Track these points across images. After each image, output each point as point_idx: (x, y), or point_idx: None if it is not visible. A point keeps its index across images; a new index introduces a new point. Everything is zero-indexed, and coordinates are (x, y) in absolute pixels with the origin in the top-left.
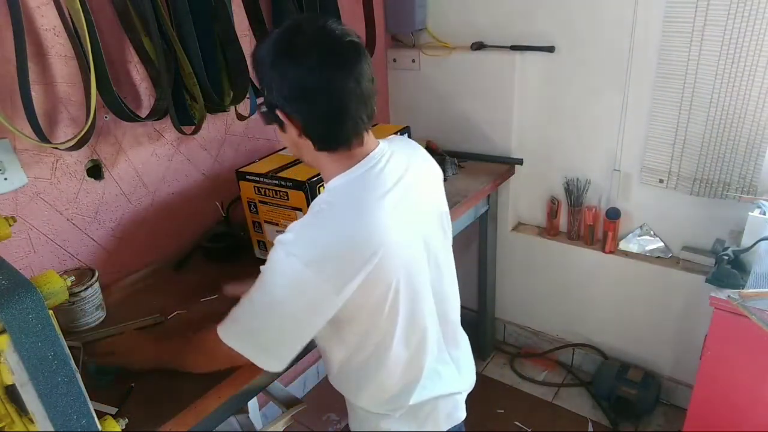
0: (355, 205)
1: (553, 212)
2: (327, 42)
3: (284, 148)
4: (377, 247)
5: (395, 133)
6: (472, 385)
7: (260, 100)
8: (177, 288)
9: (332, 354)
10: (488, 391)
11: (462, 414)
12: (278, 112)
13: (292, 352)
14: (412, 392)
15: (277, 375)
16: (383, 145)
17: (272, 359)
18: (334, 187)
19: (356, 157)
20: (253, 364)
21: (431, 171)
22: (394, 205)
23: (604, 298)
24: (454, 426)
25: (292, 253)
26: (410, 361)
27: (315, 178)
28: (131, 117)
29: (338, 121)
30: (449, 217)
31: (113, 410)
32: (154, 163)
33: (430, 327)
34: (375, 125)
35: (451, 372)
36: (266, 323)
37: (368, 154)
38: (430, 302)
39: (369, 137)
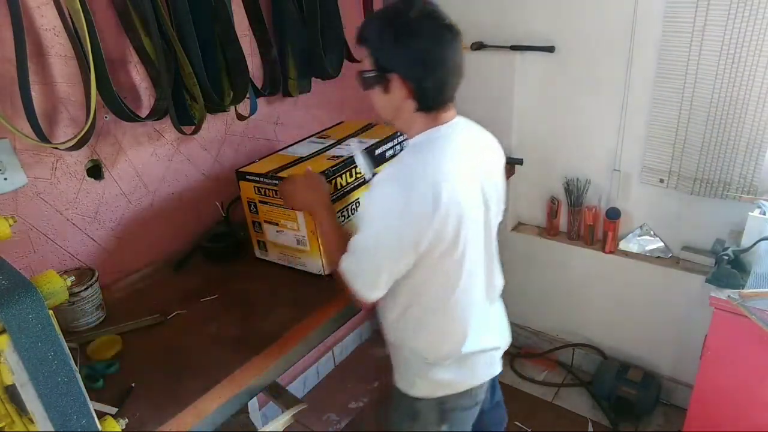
0: (435, 157)
1: (553, 212)
2: (439, 22)
3: (284, 148)
4: (450, 193)
5: (396, 134)
6: (508, 345)
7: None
8: (177, 288)
9: (397, 297)
10: None
11: (499, 368)
12: (393, 76)
13: (387, 283)
14: (464, 342)
15: (277, 375)
16: (461, 118)
17: (370, 289)
18: (419, 142)
19: (440, 121)
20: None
21: (495, 152)
22: (464, 166)
23: (604, 298)
24: (490, 379)
25: (395, 184)
26: (464, 314)
27: None
28: (131, 117)
29: (442, 87)
30: (504, 199)
31: (113, 410)
32: (154, 163)
33: (481, 285)
34: (376, 125)
35: (494, 329)
36: (372, 252)
37: (448, 121)
38: (483, 263)
39: (452, 106)
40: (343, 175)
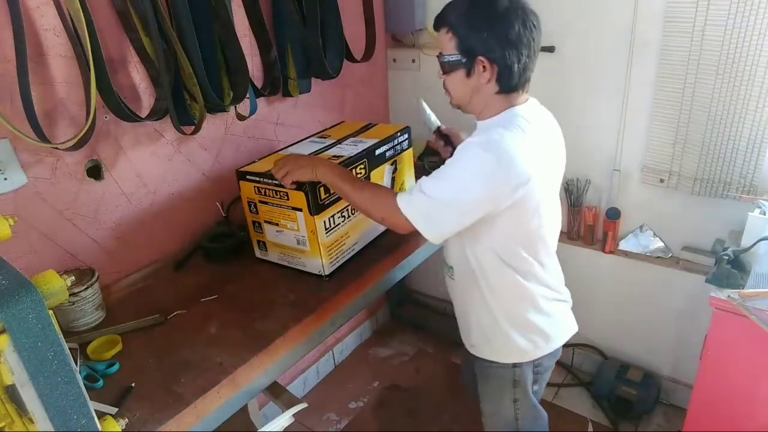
0: (522, 133)
1: None
2: (526, 9)
3: (284, 148)
4: (534, 170)
5: (394, 134)
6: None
7: (451, 52)
8: (177, 288)
9: (493, 268)
10: None
11: (576, 326)
12: (479, 59)
13: (453, 231)
14: (556, 289)
15: (277, 375)
16: (534, 99)
17: (436, 233)
18: (504, 118)
19: (515, 102)
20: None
21: (561, 137)
22: (544, 144)
23: (604, 298)
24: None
25: (489, 150)
26: (551, 269)
27: None
28: (131, 117)
29: (525, 70)
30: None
31: (113, 410)
32: (154, 163)
33: (553, 248)
34: (376, 125)
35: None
36: (447, 203)
37: (522, 103)
38: (555, 232)
39: (527, 88)
40: None
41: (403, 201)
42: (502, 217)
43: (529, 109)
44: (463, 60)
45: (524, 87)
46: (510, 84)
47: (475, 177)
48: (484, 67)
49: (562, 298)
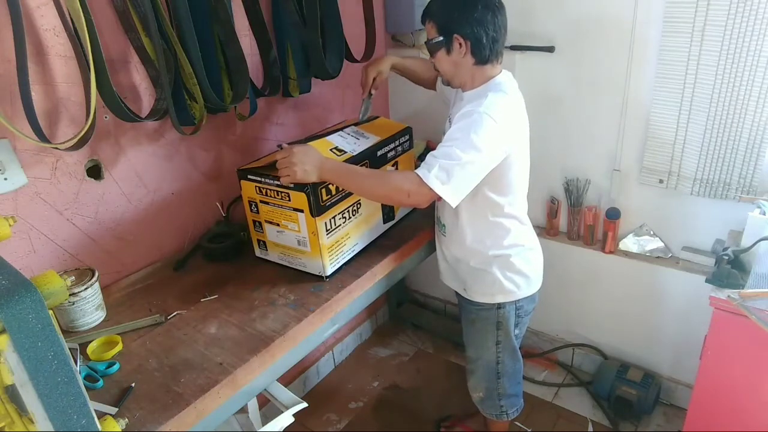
0: (509, 96)
1: (553, 212)
2: None
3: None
4: (523, 122)
5: (396, 134)
6: None
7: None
8: (177, 288)
9: (483, 217)
10: None
11: None
12: (456, 35)
13: (469, 190)
14: (532, 236)
15: (277, 375)
16: (508, 71)
17: (455, 195)
18: (491, 85)
19: (494, 73)
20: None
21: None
22: (519, 104)
23: (604, 298)
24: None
25: (486, 110)
26: (525, 221)
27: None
28: (131, 117)
29: (495, 42)
30: None
31: (113, 410)
32: (154, 163)
33: (525, 200)
34: (377, 117)
35: None
36: (462, 164)
37: (500, 73)
38: (527, 184)
39: (500, 61)
40: None
41: (423, 173)
42: (497, 171)
43: (505, 77)
44: (443, 40)
45: (498, 59)
46: (483, 55)
47: (480, 135)
48: (460, 43)
49: (536, 245)
